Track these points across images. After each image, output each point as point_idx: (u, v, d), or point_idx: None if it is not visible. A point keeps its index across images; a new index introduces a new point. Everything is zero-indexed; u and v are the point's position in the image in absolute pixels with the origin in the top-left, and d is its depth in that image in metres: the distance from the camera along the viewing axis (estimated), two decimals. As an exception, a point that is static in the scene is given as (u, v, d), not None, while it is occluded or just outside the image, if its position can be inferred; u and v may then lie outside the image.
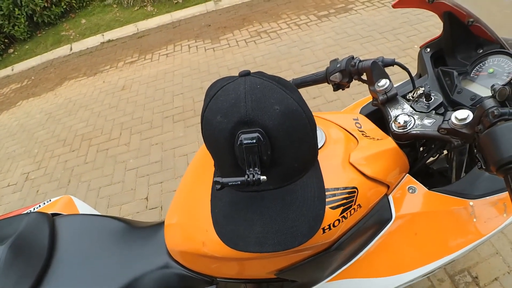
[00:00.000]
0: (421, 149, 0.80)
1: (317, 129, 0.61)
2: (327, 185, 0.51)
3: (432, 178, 0.86)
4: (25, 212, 0.90)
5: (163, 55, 3.71)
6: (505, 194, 0.63)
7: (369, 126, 0.70)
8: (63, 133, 2.95)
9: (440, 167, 0.88)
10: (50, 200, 0.99)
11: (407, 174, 0.67)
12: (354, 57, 0.75)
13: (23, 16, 4.59)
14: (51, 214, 0.87)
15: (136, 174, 2.23)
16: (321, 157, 0.55)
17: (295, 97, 0.46)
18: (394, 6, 0.81)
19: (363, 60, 0.73)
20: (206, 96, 0.48)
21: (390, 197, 0.64)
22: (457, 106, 0.70)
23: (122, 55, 4.03)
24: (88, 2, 5.05)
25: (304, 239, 0.44)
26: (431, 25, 2.98)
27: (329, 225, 0.53)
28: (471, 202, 0.64)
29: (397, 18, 3.21)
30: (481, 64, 0.73)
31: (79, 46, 4.57)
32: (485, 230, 0.63)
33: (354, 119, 0.71)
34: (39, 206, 0.96)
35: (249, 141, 0.41)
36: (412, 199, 0.64)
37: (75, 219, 0.87)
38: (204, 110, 0.46)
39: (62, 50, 4.60)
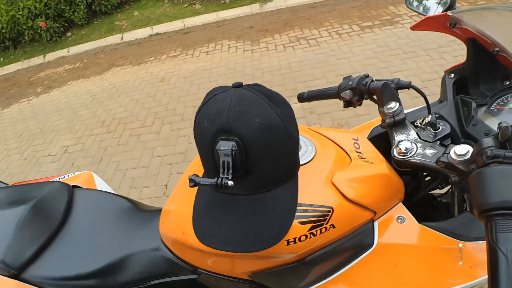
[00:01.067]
0: (427, 179, 0.77)
1: (309, 143, 0.63)
2: (301, 200, 0.53)
3: (438, 211, 0.81)
4: (52, 180, 0.99)
5: (204, 52, 3.85)
6: None
7: (368, 148, 0.69)
8: (103, 115, 3.17)
9: (448, 200, 0.84)
10: (74, 173, 1.09)
11: (401, 203, 0.65)
12: (368, 76, 0.74)
13: (83, 3, 5.02)
14: (72, 186, 0.96)
15: (161, 161, 2.35)
16: (306, 171, 0.56)
17: (280, 112, 0.47)
18: (412, 28, 0.78)
19: (375, 80, 0.71)
20: (202, 101, 0.51)
21: (376, 223, 0.62)
22: (470, 139, 0.67)
23: (167, 49, 4.24)
24: (143, -4, 5.39)
25: (264, 247, 0.46)
26: (482, 46, 2.82)
27: (295, 239, 0.53)
28: (461, 244, 0.60)
29: (445, 35, 3.05)
30: (504, 97, 0.68)
31: (129, 36, 4.89)
32: (469, 277, 0.59)
33: (353, 139, 0.70)
34: (64, 177, 1.06)
35: (225, 148, 0.44)
36: (399, 229, 0.62)
37: (91, 193, 0.95)
38: (197, 114, 0.50)
39: (114, 39, 4.94)
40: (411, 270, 0.59)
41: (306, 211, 0.53)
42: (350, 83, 0.75)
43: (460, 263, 0.59)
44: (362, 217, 0.59)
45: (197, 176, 0.46)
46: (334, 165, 0.60)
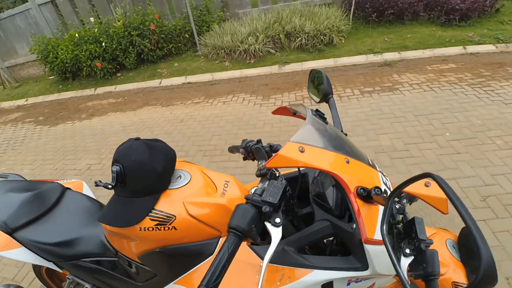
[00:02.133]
0: None
1: (188, 176, 0.87)
2: (158, 207, 0.79)
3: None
4: (55, 181, 1.38)
5: (221, 102, 4.36)
6: (289, 268, 0.79)
7: (233, 191, 0.87)
8: (126, 143, 3.70)
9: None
10: (71, 180, 1.48)
11: None
12: (258, 140, 0.99)
13: (134, 52, 5.99)
14: (66, 187, 1.34)
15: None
16: (175, 192, 0.82)
17: (151, 156, 0.80)
18: (273, 113, 1.05)
19: (254, 145, 0.98)
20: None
21: (221, 239, 0.83)
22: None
23: (193, 96, 4.83)
24: (183, 51, 6.32)
25: (125, 226, 0.79)
26: (473, 116, 2.96)
27: (145, 228, 0.78)
28: (262, 263, 0.80)
29: (439, 103, 3.25)
30: None
31: (166, 82, 5.64)
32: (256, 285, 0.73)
33: (225, 181, 0.89)
34: (63, 181, 1.45)
35: (114, 169, 0.78)
36: None
37: (76, 194, 1.31)
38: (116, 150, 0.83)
39: (153, 83, 5.73)
40: (231, 274, 0.81)
41: (157, 213, 0.79)
42: (242, 144, 1.03)
43: (257, 276, 0.80)
44: (206, 231, 0.81)
45: (100, 181, 0.84)
46: (195, 192, 0.83)
